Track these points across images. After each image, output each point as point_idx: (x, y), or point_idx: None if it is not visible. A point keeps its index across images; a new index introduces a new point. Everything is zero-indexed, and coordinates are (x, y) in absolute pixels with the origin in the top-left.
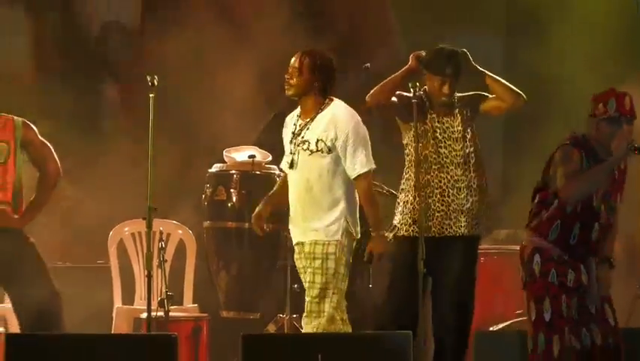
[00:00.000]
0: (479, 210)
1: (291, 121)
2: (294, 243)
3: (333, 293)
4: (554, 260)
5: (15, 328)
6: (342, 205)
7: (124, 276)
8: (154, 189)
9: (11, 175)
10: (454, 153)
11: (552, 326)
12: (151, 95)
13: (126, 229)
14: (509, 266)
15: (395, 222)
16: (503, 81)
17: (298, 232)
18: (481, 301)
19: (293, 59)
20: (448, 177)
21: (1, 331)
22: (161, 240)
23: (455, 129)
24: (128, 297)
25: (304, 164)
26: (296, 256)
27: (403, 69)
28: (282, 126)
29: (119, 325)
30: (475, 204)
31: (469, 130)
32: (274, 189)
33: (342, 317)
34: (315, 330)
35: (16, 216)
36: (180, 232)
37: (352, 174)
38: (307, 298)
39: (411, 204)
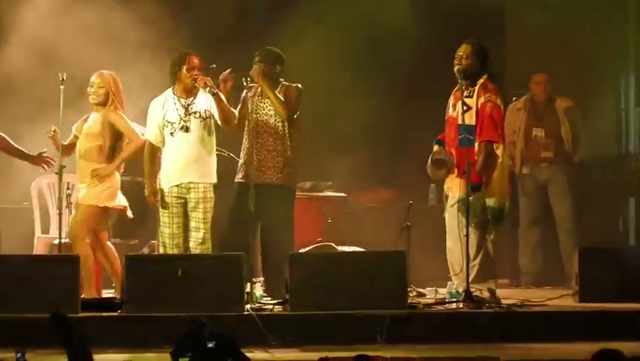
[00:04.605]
0: (286, 166)
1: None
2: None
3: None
4: None
5: None
6: None
7: (42, 214)
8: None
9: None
10: (268, 124)
11: None
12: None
13: (44, 180)
14: (312, 207)
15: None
16: (275, 96)
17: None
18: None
19: None
20: (261, 141)
21: None
22: (68, 188)
23: (269, 107)
24: (45, 229)
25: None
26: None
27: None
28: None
29: (39, 248)
30: (282, 162)
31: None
32: (150, 165)
33: None
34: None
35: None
36: None
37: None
38: (201, 233)
39: (244, 160)
